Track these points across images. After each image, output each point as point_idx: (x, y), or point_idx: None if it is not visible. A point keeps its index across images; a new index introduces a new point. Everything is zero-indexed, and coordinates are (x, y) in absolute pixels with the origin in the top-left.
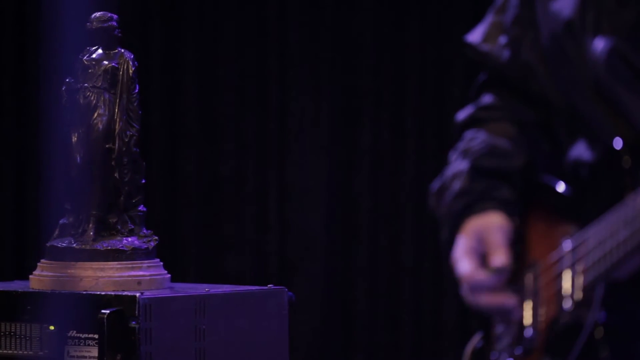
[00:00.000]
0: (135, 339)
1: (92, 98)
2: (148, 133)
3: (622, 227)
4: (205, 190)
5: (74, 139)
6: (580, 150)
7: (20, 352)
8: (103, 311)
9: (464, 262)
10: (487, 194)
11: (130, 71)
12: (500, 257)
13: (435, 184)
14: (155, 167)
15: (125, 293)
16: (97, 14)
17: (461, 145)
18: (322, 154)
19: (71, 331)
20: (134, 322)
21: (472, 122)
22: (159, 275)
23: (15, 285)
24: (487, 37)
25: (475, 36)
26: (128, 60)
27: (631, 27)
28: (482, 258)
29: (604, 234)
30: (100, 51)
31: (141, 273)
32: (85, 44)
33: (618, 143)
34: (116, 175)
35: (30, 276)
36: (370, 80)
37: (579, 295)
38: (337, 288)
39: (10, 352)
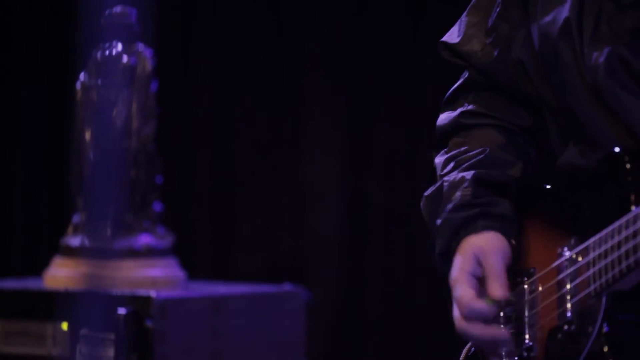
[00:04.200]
0: (150, 339)
1: (110, 95)
2: (163, 131)
3: (627, 237)
4: (221, 189)
5: (88, 136)
6: (575, 156)
7: (33, 350)
8: (120, 311)
9: (462, 287)
10: (488, 210)
11: (148, 68)
12: (499, 288)
13: (430, 190)
14: (170, 165)
15: (140, 293)
16: (116, 8)
17: (450, 153)
18: (336, 154)
19: (84, 330)
20: (149, 322)
21: (457, 129)
22: (175, 275)
23: (29, 284)
24: (467, 37)
25: (452, 37)
26: (146, 57)
27: (631, 32)
28: (480, 282)
29: (608, 243)
30: (118, 47)
31: (157, 272)
32: (100, 39)
33: (618, 149)
34: (132, 173)
35: (44, 274)
36: (386, 80)
37: (580, 305)
38: (351, 288)
39: (23, 350)
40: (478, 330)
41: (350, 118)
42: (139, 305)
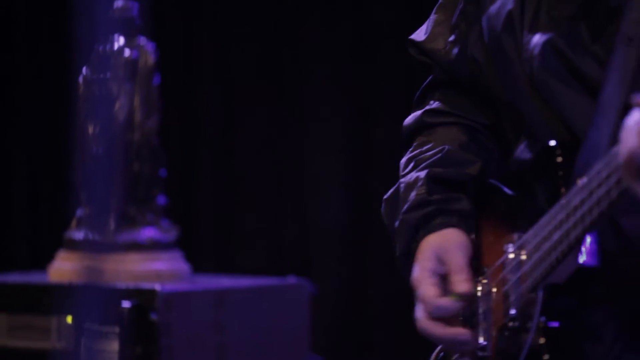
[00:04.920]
0: (155, 332)
1: (113, 89)
2: (166, 124)
3: (555, 229)
4: (224, 182)
5: (91, 130)
6: (522, 151)
7: (37, 344)
8: (124, 305)
9: (424, 286)
10: (445, 206)
11: (151, 62)
12: (463, 283)
13: (388, 193)
14: (173, 159)
15: (145, 286)
16: (118, 2)
17: (412, 153)
18: (339, 147)
19: (89, 323)
20: (153, 315)
21: (421, 128)
22: (179, 268)
23: (33, 277)
24: (433, 35)
25: (420, 35)
26: (148, 51)
27: (569, 21)
28: (443, 279)
29: (540, 236)
30: (120, 41)
31: (161, 265)
32: (102, 33)
33: (552, 141)
34: (136, 166)
35: (49, 268)
36: (388, 75)
37: (522, 301)
38: (355, 280)
39: (27, 344)
40: (440, 329)
41: (353, 112)
42: (144, 298)
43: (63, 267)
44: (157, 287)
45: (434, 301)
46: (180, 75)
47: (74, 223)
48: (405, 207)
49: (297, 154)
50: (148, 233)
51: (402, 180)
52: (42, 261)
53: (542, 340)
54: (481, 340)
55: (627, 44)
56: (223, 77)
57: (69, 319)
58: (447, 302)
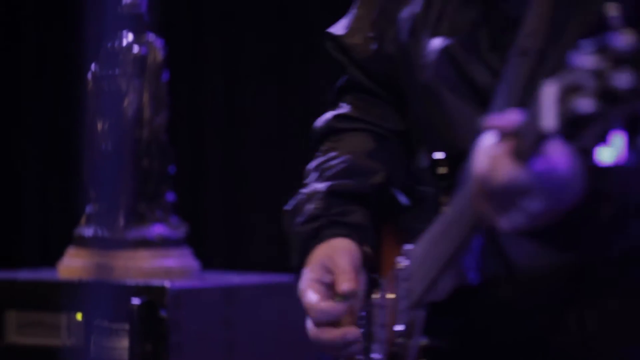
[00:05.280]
0: (164, 329)
1: (122, 85)
2: (175, 121)
3: (435, 244)
4: (234, 179)
5: (100, 126)
6: (421, 159)
7: (47, 341)
8: (134, 301)
9: (308, 294)
10: (337, 219)
11: (159, 58)
12: (346, 282)
13: (289, 205)
14: (182, 155)
15: (154, 283)
16: None
17: (318, 161)
18: None
19: (98, 320)
20: (163, 312)
21: (329, 132)
22: (188, 265)
23: (43, 274)
24: (352, 30)
25: (339, 29)
26: (157, 48)
27: (470, 27)
28: (330, 288)
29: (424, 250)
30: (129, 37)
31: (170, 262)
32: (111, 29)
33: (438, 153)
34: (145, 163)
35: (58, 264)
36: None
37: (408, 317)
38: None
39: (37, 341)
40: (329, 333)
41: None
42: (153, 295)
43: (72, 264)
44: (167, 284)
45: (318, 306)
46: (189, 72)
47: (83, 220)
48: (300, 219)
49: (306, 150)
50: (157, 230)
51: (302, 191)
52: (52, 258)
53: None
54: (376, 355)
55: (521, 56)
56: (231, 73)
57: (79, 316)
58: (330, 304)
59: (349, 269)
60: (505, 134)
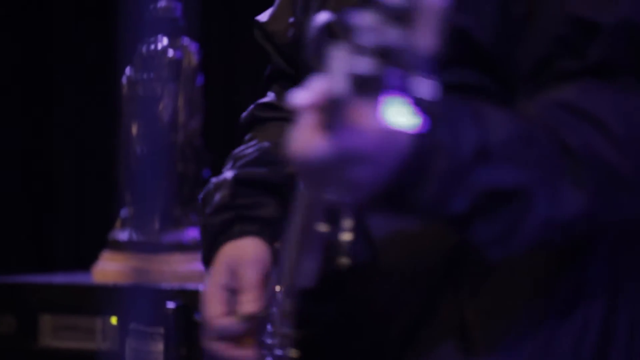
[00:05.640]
0: (199, 333)
1: (156, 89)
2: (209, 125)
3: (293, 226)
4: None
5: (135, 130)
6: None
7: (82, 345)
8: (169, 305)
9: (211, 304)
10: (246, 213)
11: (194, 62)
12: (249, 303)
13: (202, 193)
14: (216, 159)
15: (189, 287)
16: (161, 3)
17: (236, 150)
18: None
19: (133, 324)
20: (198, 316)
21: (252, 122)
22: None
23: (78, 278)
24: (275, 17)
25: (264, 16)
26: (192, 52)
27: (360, 1)
28: (234, 294)
29: (288, 235)
30: (164, 41)
31: None
32: (145, 33)
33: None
34: (180, 167)
35: (93, 268)
36: None
37: (288, 309)
38: None
39: (72, 345)
40: (226, 350)
41: None
42: (188, 298)
43: (107, 268)
44: (202, 287)
45: (217, 321)
46: (223, 76)
47: (118, 224)
48: (209, 210)
49: None
50: (192, 234)
51: (212, 179)
52: (86, 262)
53: (294, 354)
54: (278, 351)
55: None
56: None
57: (114, 320)
58: (229, 322)
59: (256, 286)
60: (308, 107)
